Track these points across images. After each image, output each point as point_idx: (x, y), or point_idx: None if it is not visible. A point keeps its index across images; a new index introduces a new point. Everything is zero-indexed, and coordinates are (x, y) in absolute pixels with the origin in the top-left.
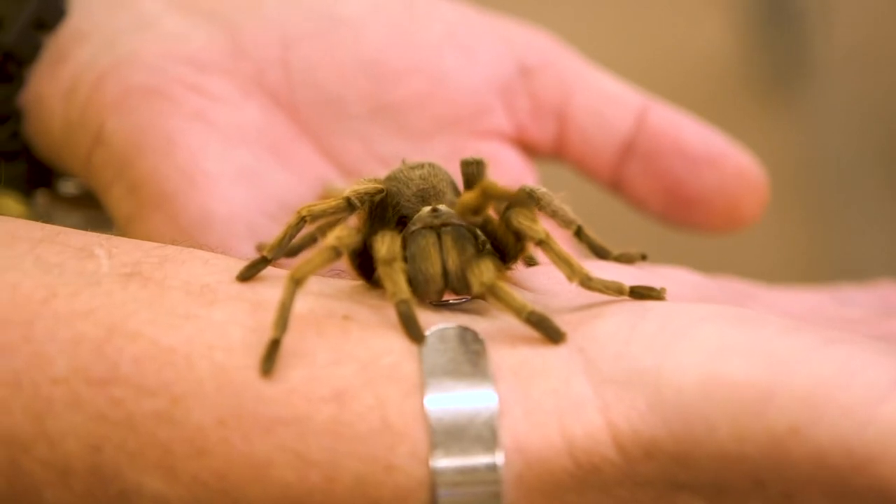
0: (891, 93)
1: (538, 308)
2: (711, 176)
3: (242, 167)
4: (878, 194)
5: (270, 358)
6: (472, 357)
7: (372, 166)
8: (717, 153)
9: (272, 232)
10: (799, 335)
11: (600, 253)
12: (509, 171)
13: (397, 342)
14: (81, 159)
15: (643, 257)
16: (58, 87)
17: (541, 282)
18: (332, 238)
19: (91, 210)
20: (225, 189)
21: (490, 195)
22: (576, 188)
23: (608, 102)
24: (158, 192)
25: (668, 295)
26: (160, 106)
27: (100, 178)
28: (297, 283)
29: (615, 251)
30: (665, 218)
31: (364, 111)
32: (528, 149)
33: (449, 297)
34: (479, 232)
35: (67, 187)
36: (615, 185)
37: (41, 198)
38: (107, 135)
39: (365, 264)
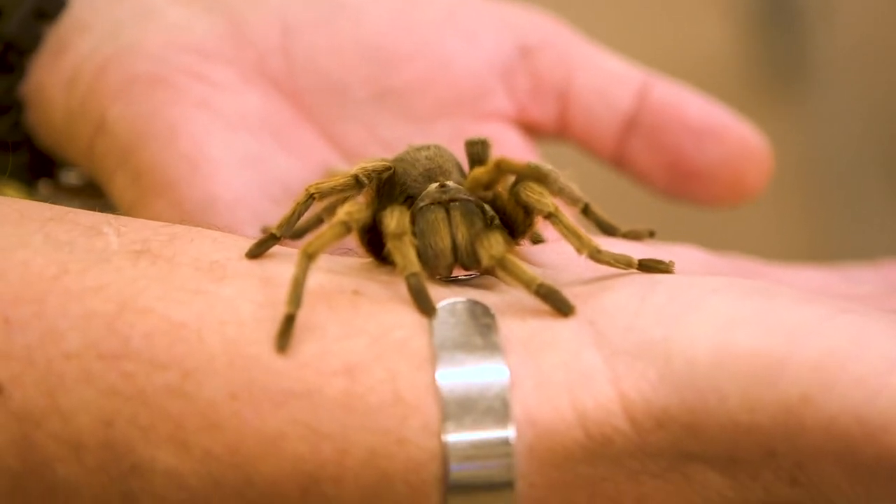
0: (891, 92)
1: (547, 280)
2: (715, 148)
3: (246, 153)
4: (878, 194)
5: (286, 334)
6: (482, 330)
7: (375, 150)
8: (719, 125)
9: (276, 216)
10: (811, 306)
11: (608, 230)
12: (511, 152)
13: (408, 316)
14: (83, 148)
15: (651, 234)
16: (59, 76)
17: (550, 257)
18: (342, 213)
19: (93, 200)
20: (229, 174)
21: (504, 169)
22: (579, 167)
23: (610, 79)
24: (162, 179)
25: (678, 271)
26: (163, 94)
27: (102, 166)
28: (309, 258)
29: (623, 228)
30: (669, 192)
31: (366, 96)
32: (531, 129)
33: (458, 273)
34: (487, 207)
35: (69, 177)
36: (619, 161)
37: (43, 188)
38: (109, 123)
39: (374, 241)
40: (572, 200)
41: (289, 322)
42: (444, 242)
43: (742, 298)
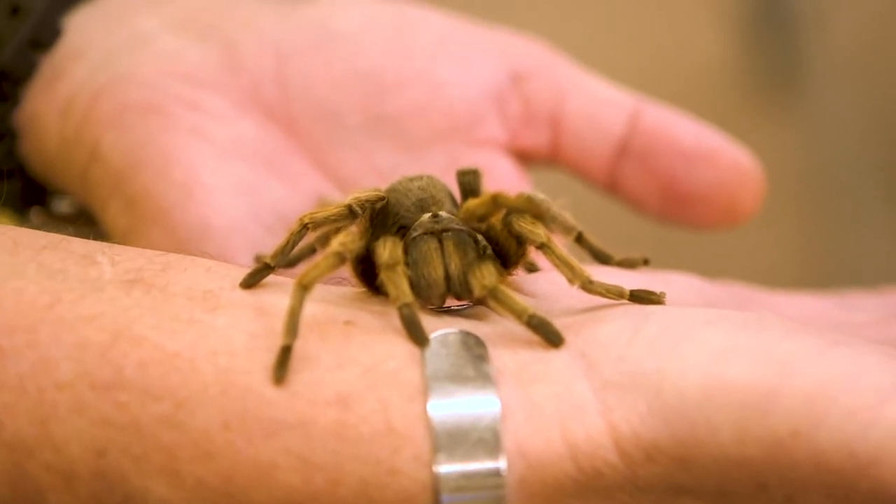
0: (888, 97)
1: (539, 312)
2: (707, 171)
3: (239, 181)
4: (876, 199)
5: (282, 365)
6: (474, 361)
7: (369, 178)
8: (711, 149)
9: (270, 244)
10: (802, 338)
11: (602, 258)
12: (503, 180)
13: (400, 347)
14: (77, 176)
15: (645, 262)
16: (53, 105)
17: (542, 287)
18: (336, 244)
19: (86, 228)
20: (222, 201)
21: (500, 204)
22: (572, 193)
23: (601, 105)
24: (156, 206)
25: (672, 300)
26: (156, 122)
27: (96, 194)
28: (304, 288)
29: (617, 257)
30: (662, 217)
31: (360, 123)
32: (524, 156)
33: (451, 304)
34: (480, 237)
35: (62, 206)
36: (611, 186)
37: (35, 216)
38: (103, 151)
39: (367, 271)
40: (566, 230)
41: (285, 353)
42: (436, 272)
43: (734, 330)
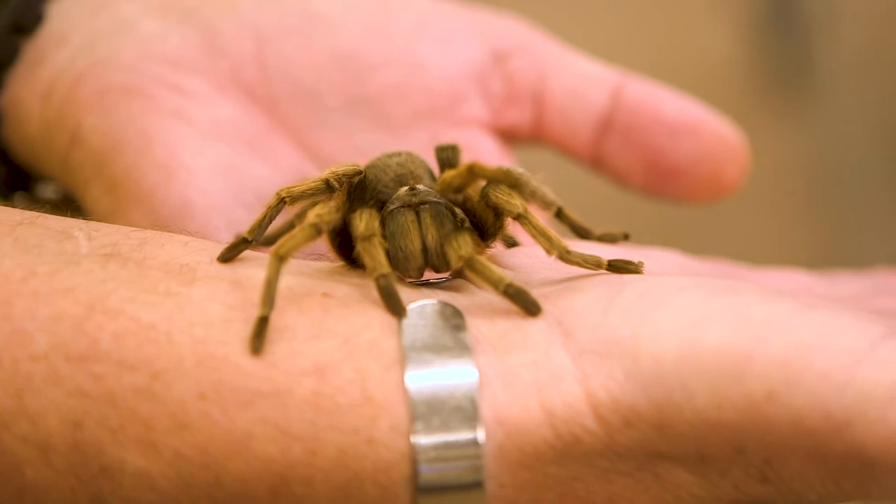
0: None
1: (515, 281)
2: (691, 144)
3: (220, 161)
4: (884, 198)
5: (259, 335)
6: (451, 331)
7: (350, 158)
8: (694, 121)
9: (250, 224)
10: (776, 302)
11: (582, 233)
12: (487, 159)
13: (377, 318)
14: (59, 160)
15: (626, 237)
16: (35, 89)
17: (520, 260)
18: (312, 216)
19: (68, 212)
20: (203, 181)
21: (476, 173)
22: (557, 172)
23: (584, 81)
24: (137, 187)
25: (653, 274)
26: (137, 104)
27: (78, 177)
28: (281, 259)
29: (597, 231)
30: (647, 191)
31: (341, 104)
32: (507, 134)
33: (429, 277)
34: (457, 209)
35: (45, 191)
36: (596, 162)
37: (19, 202)
38: (84, 134)
39: (344, 245)
40: (545, 204)
41: (262, 324)
42: (413, 245)
43: (709, 296)
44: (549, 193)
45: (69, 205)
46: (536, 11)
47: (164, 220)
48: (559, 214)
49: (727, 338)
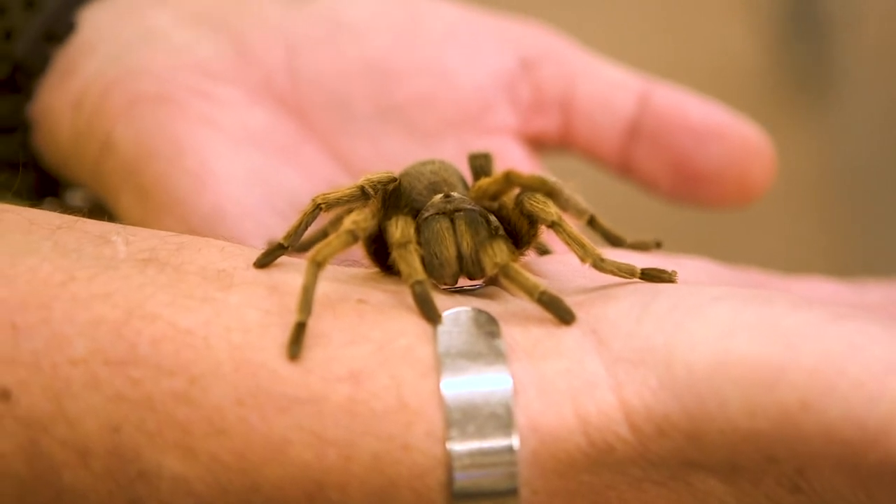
0: None
1: (550, 288)
2: (718, 148)
3: (251, 168)
4: None
5: (297, 341)
6: (486, 338)
7: (381, 166)
8: (721, 126)
9: (282, 230)
10: (808, 311)
11: (614, 241)
12: (516, 166)
13: (412, 324)
14: (90, 168)
15: (658, 244)
16: (66, 98)
17: (554, 268)
18: (348, 222)
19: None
20: (235, 188)
21: (512, 181)
22: (585, 179)
23: (611, 87)
24: (168, 195)
25: (685, 282)
26: (168, 112)
27: (109, 185)
28: (318, 265)
29: (629, 239)
30: (675, 196)
31: (371, 112)
32: (536, 142)
33: (463, 284)
34: (491, 217)
35: (74, 198)
36: (624, 168)
37: (48, 208)
38: (115, 142)
39: (379, 251)
40: (578, 212)
41: (300, 329)
42: (448, 251)
43: (742, 306)
44: (582, 201)
45: (100, 212)
46: (553, 14)
47: (195, 228)
48: (591, 222)
49: (760, 347)
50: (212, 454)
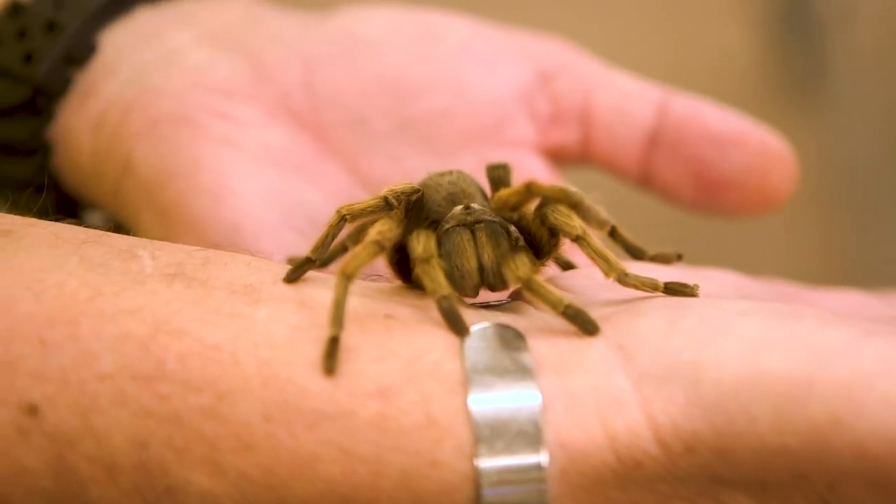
0: None
1: (574, 301)
2: (738, 156)
3: (270, 185)
4: None
5: (332, 356)
6: (513, 354)
7: (401, 181)
8: (741, 133)
9: (301, 248)
10: (838, 327)
11: (635, 253)
12: (536, 178)
13: (439, 340)
14: (110, 190)
15: (679, 257)
16: (86, 120)
17: (579, 282)
18: (374, 233)
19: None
20: (253, 206)
21: (534, 192)
22: (604, 192)
23: (629, 98)
24: (187, 214)
25: (710, 295)
26: (187, 132)
27: (129, 206)
28: (348, 278)
29: (650, 252)
30: (697, 205)
31: (389, 128)
32: (555, 154)
33: (488, 299)
34: (512, 228)
35: (93, 219)
36: (644, 179)
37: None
38: (135, 163)
39: (402, 262)
40: (599, 223)
41: (334, 344)
42: (469, 263)
43: (770, 321)
44: (603, 212)
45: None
46: (553, 16)
47: (215, 246)
48: (613, 234)
49: (789, 363)
50: (239, 470)
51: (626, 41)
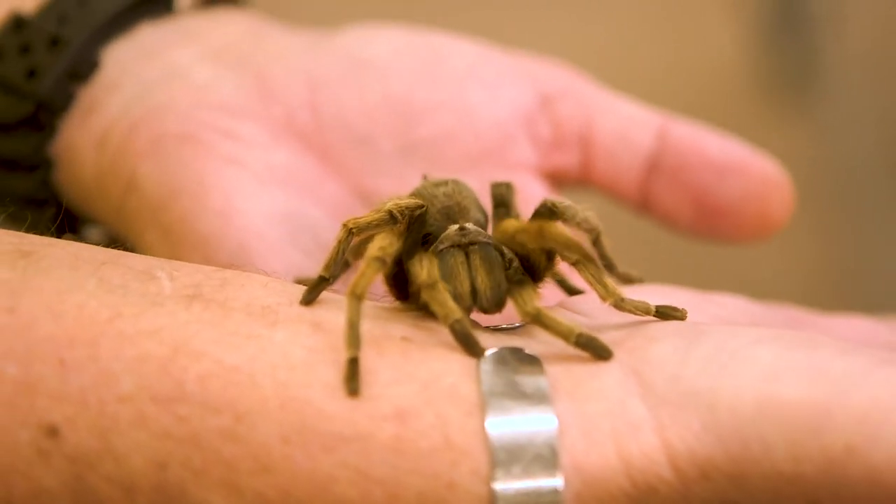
0: None
1: (585, 329)
2: (737, 183)
3: (275, 205)
4: (890, 201)
5: (354, 377)
6: (529, 378)
7: None
8: (740, 161)
9: (307, 268)
10: (854, 356)
11: (608, 264)
12: (536, 202)
13: (456, 363)
14: (114, 206)
15: (640, 280)
16: (90, 136)
17: (588, 307)
18: (375, 249)
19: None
20: (259, 226)
21: (547, 239)
22: (603, 217)
23: (630, 123)
24: (193, 233)
25: (722, 321)
26: (192, 151)
27: (133, 224)
28: (358, 298)
29: (620, 269)
30: (695, 231)
31: (394, 149)
32: (556, 178)
33: (503, 323)
34: (505, 249)
35: (92, 234)
36: (643, 204)
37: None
38: (139, 181)
39: (399, 276)
40: (588, 229)
41: (354, 365)
42: (463, 287)
43: (786, 349)
44: (592, 218)
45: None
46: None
47: (221, 266)
48: (596, 241)
49: (805, 391)
50: (257, 492)
51: (620, 42)
